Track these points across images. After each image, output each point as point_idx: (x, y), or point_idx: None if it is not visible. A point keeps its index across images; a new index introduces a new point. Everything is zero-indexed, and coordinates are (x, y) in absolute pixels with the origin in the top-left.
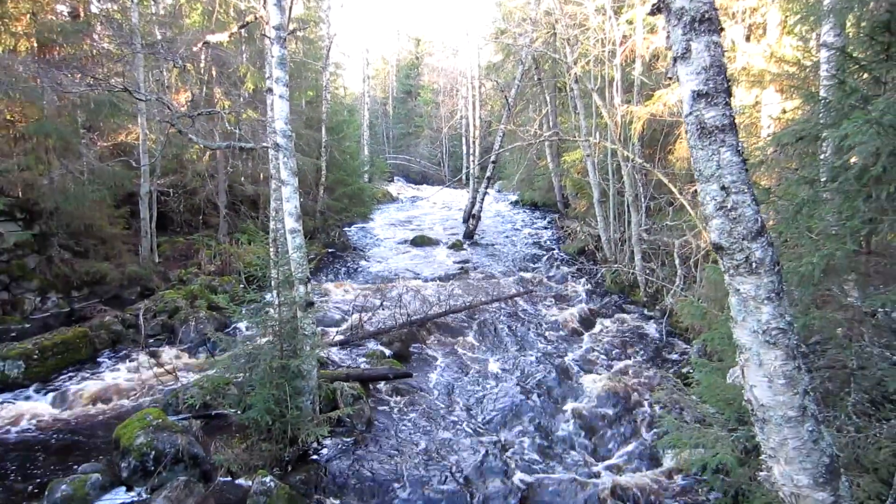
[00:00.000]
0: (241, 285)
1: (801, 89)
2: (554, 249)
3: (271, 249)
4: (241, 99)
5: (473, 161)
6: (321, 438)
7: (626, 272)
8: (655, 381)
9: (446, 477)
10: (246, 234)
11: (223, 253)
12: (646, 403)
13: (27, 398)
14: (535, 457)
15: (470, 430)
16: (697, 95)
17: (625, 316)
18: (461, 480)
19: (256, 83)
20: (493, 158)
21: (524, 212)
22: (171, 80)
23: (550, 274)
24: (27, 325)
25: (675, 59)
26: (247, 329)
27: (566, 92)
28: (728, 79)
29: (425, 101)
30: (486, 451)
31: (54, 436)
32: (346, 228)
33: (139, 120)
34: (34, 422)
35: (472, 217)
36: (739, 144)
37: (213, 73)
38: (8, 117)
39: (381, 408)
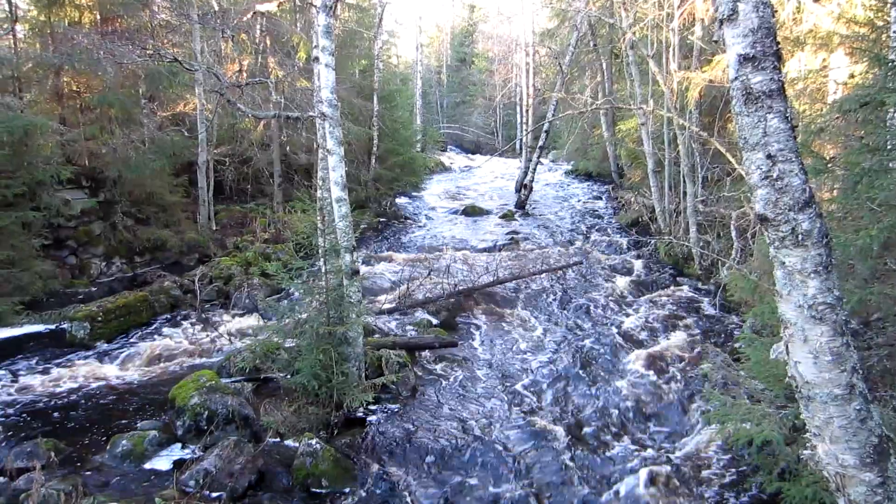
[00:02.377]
0: (292, 253)
1: (870, 52)
2: (607, 220)
3: (318, 218)
4: (295, 69)
5: (526, 130)
6: (366, 404)
7: (681, 244)
8: (705, 356)
9: (489, 447)
10: (299, 203)
11: (277, 221)
12: (694, 378)
13: (92, 358)
14: (581, 430)
15: (515, 402)
16: (744, 59)
17: (678, 289)
18: (504, 451)
19: (309, 52)
20: (546, 127)
21: (577, 182)
22: (227, 50)
23: (602, 245)
24: (93, 289)
25: (720, 22)
26: (295, 296)
27: (622, 58)
28: (778, 42)
29: (479, 69)
30: (530, 423)
31: (116, 393)
32: (397, 198)
33: (196, 90)
34: (99, 380)
35: (523, 187)
36: (788, 110)
37: (268, 42)
38: (74, 88)
39: (426, 376)
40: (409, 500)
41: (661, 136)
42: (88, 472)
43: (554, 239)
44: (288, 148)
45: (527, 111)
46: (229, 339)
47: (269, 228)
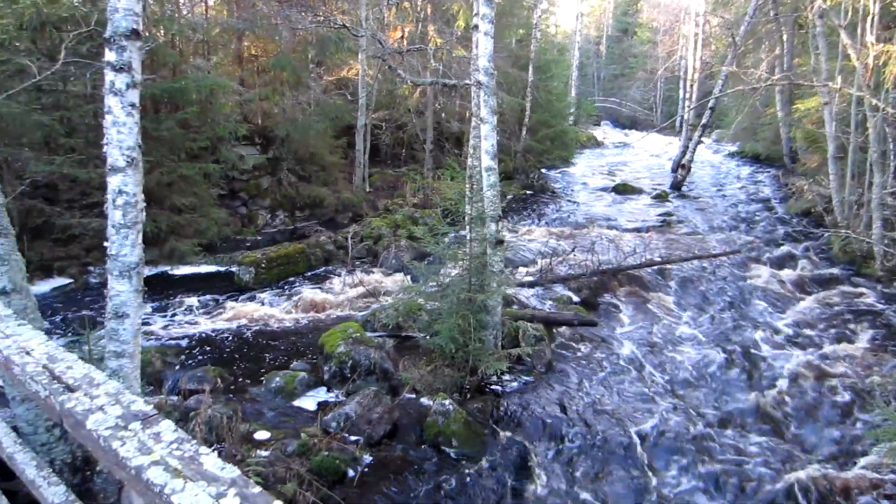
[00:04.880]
0: (439, 218)
1: None
2: (773, 208)
3: (467, 186)
4: (453, 37)
5: (689, 106)
6: (500, 373)
7: (861, 240)
8: (875, 366)
9: (619, 433)
10: (448, 170)
11: (426, 187)
12: (859, 390)
13: (255, 300)
14: (719, 431)
15: (651, 390)
16: None
17: (852, 290)
18: (634, 441)
19: (468, 21)
20: (711, 104)
21: (742, 164)
22: (390, 17)
23: (766, 235)
24: (259, 238)
25: None
26: (439, 260)
27: (806, 29)
28: None
29: (642, 40)
30: (665, 416)
31: (272, 334)
32: (545, 171)
33: (359, 56)
34: (258, 320)
35: (681, 167)
36: None
37: (429, 10)
38: (253, 52)
39: (562, 352)
40: (537, 474)
41: (847, 118)
42: (245, 401)
43: (710, 224)
44: (443, 115)
45: (691, 86)
46: (375, 296)
47: (419, 193)
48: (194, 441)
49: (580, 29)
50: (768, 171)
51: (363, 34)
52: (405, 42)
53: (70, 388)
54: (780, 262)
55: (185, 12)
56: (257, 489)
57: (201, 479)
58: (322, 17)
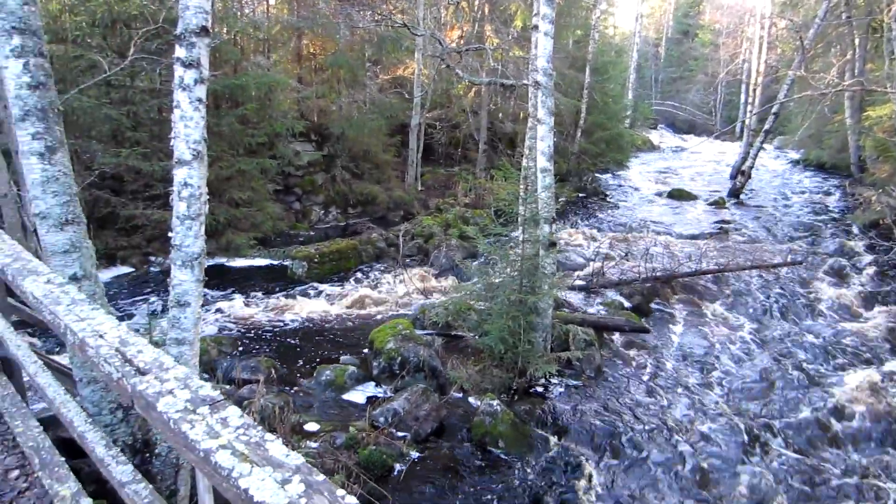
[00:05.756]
0: (491, 219)
1: None
2: (838, 219)
3: (521, 187)
4: (510, 37)
5: (751, 111)
6: (549, 376)
7: None
8: None
9: (669, 444)
10: (500, 171)
11: (478, 187)
12: None
13: (308, 294)
14: (774, 445)
15: (703, 401)
16: None
17: None
18: (684, 452)
19: (525, 21)
20: (775, 109)
21: (806, 173)
22: (447, 17)
23: (828, 246)
24: (311, 233)
25: None
26: (490, 261)
27: (881, 33)
28: None
29: (703, 42)
30: (717, 429)
31: (323, 327)
32: (599, 174)
33: (415, 55)
34: (310, 313)
35: (740, 173)
36: None
37: (486, 10)
38: (311, 50)
39: (612, 358)
40: (585, 479)
41: None
42: (296, 393)
43: (770, 233)
44: (500, 115)
45: (754, 90)
46: (425, 294)
47: (470, 193)
48: (259, 427)
49: (639, 30)
50: (833, 181)
51: (423, 33)
52: (462, 41)
53: (141, 372)
54: (843, 275)
55: (247, 11)
56: (321, 477)
57: (267, 464)
58: (382, 16)
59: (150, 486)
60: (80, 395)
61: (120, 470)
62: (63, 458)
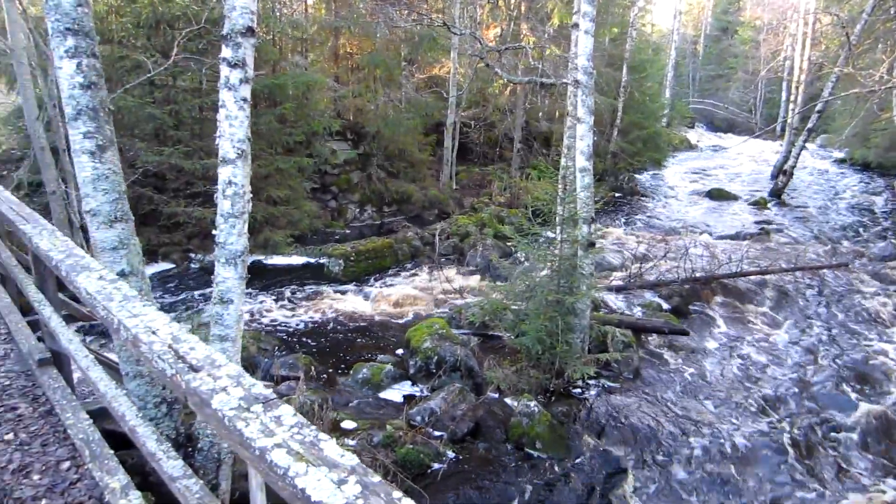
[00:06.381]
0: (527, 218)
1: None
2: (885, 220)
3: (559, 186)
4: (546, 35)
5: (793, 110)
6: (586, 377)
7: None
8: None
9: (708, 448)
10: (536, 170)
11: (513, 186)
12: None
13: (344, 292)
14: (817, 456)
15: (744, 404)
16: None
17: None
18: (724, 457)
19: (562, 19)
20: (819, 107)
21: (851, 172)
22: (483, 16)
23: (875, 248)
24: (347, 231)
25: None
26: (527, 260)
27: None
28: None
29: (743, 39)
30: (758, 435)
31: (359, 326)
32: (635, 174)
33: (451, 54)
34: (346, 311)
35: (782, 173)
36: None
37: (522, 9)
38: (348, 50)
39: (650, 360)
40: (624, 482)
41: None
42: (334, 391)
43: (813, 234)
44: (540, 114)
45: (796, 88)
46: (460, 294)
47: (505, 192)
48: (313, 427)
49: (677, 27)
50: (881, 181)
51: (462, 32)
52: (497, 40)
53: (194, 368)
54: (889, 278)
55: (286, 11)
56: (377, 478)
57: (323, 464)
58: (421, 15)
59: (201, 481)
60: (127, 389)
61: (171, 465)
62: (112, 451)
